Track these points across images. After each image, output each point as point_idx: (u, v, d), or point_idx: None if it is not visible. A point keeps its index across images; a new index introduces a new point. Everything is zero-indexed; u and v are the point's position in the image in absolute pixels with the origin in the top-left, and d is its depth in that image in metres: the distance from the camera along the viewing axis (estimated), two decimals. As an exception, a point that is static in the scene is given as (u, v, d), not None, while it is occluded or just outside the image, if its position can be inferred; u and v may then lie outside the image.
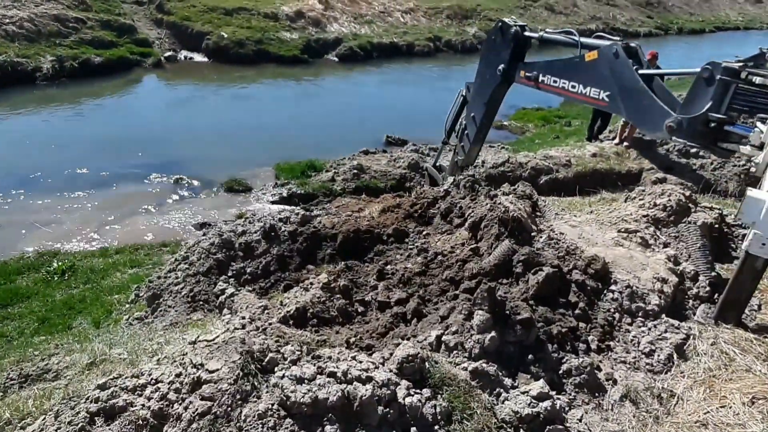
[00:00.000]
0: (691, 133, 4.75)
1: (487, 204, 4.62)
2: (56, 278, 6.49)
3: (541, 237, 4.28)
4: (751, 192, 3.42)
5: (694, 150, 9.77)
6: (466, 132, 7.44)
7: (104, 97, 14.84)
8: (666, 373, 3.43)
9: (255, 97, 15.96)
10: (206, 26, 19.65)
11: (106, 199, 9.09)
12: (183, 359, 3.10)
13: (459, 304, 3.48)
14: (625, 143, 10.35)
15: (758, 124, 4.63)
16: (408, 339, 3.55)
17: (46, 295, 6.08)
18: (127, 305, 5.70)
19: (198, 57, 18.95)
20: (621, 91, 5.75)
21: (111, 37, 17.41)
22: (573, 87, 6.12)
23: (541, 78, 6.38)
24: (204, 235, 7.09)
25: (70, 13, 17.36)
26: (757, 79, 4.49)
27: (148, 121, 13.38)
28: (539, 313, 3.57)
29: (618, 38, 6.42)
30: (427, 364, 2.96)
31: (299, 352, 2.92)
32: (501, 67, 6.64)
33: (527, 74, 6.51)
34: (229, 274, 5.51)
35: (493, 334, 3.23)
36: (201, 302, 5.15)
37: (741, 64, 4.51)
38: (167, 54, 18.32)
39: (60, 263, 6.75)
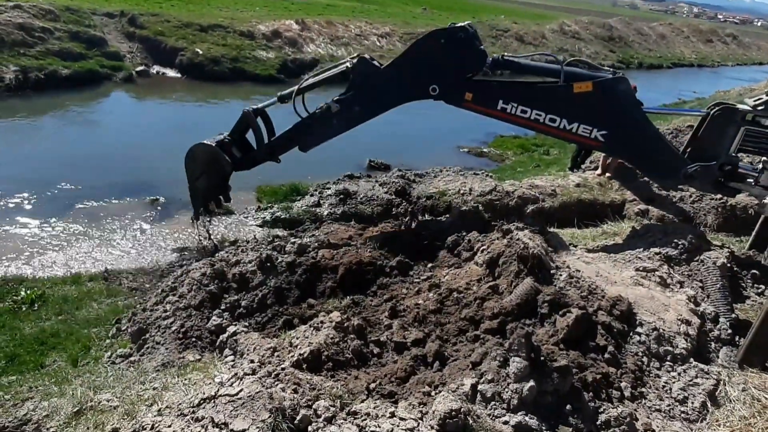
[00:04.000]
0: (709, 179, 4.71)
1: (502, 239, 4.48)
2: (24, 308, 5.92)
3: (561, 275, 4.16)
4: (783, 236, 3.39)
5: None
6: (331, 118, 6.05)
7: (72, 111, 14.12)
8: (702, 421, 3.32)
9: (229, 116, 15.52)
10: (180, 42, 19.19)
11: (75, 221, 8.50)
12: (197, 414, 2.78)
13: (492, 349, 3.29)
14: (607, 174, 10.51)
15: (768, 165, 4.71)
16: (436, 386, 3.33)
17: (14, 328, 5.51)
18: (108, 340, 5.23)
19: (171, 72, 18.45)
20: (625, 133, 5.13)
21: (80, 49, 16.71)
22: (552, 121, 5.17)
23: (502, 105, 5.26)
24: (185, 262, 6.69)
25: (36, 22, 16.61)
26: (767, 122, 4.58)
27: (118, 137, 12.75)
28: (571, 358, 3.41)
29: (610, 68, 5.91)
30: (470, 419, 2.75)
31: (333, 408, 2.66)
32: (443, 82, 5.38)
33: (479, 97, 5.35)
34: (222, 307, 5.16)
35: (531, 383, 3.05)
36: (193, 339, 4.78)
37: (751, 107, 4.60)
38: (139, 68, 17.74)
39: (28, 291, 6.19)
